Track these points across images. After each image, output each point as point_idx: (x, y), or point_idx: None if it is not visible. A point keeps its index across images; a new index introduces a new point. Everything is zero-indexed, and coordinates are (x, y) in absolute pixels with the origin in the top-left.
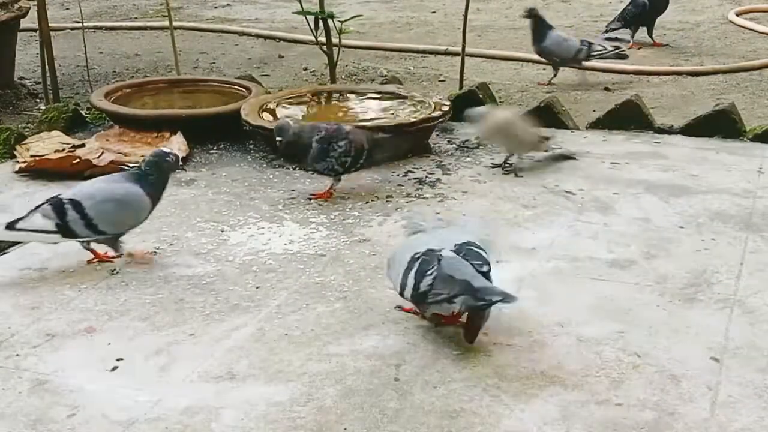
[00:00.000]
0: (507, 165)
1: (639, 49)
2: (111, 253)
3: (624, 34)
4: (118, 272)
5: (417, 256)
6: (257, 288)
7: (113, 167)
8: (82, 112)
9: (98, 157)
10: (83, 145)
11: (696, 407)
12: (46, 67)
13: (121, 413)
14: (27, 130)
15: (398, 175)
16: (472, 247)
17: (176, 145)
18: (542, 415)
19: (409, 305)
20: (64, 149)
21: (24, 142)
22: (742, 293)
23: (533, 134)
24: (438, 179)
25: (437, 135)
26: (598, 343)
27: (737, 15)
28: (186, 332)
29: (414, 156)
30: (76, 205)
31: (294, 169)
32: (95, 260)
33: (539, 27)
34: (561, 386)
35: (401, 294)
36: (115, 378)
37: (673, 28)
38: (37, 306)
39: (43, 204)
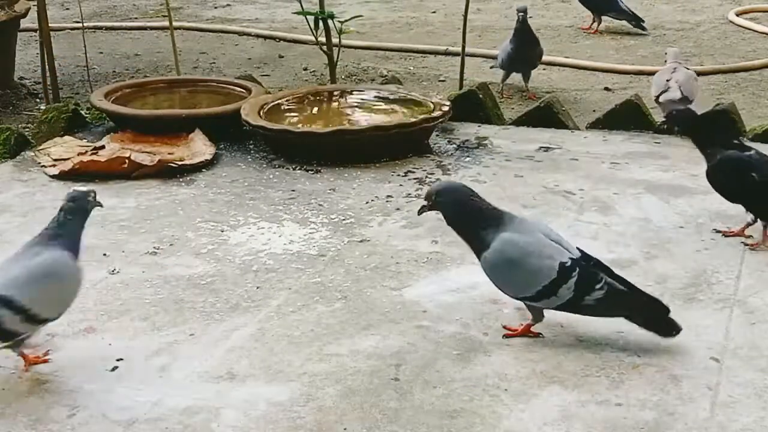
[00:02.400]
0: None
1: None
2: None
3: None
4: (118, 272)
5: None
6: (257, 288)
7: (161, 166)
8: (82, 112)
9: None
10: (103, 147)
11: (696, 407)
12: (46, 67)
13: (121, 413)
14: (27, 130)
15: (398, 175)
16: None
17: (200, 144)
18: (542, 415)
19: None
20: (86, 151)
21: (40, 148)
22: (742, 293)
23: None
24: (438, 179)
25: (437, 135)
26: (597, 343)
27: (737, 15)
28: (186, 332)
29: (414, 156)
30: (6, 301)
31: (294, 169)
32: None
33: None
34: (561, 386)
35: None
36: (115, 378)
37: (672, 28)
38: None
39: None
